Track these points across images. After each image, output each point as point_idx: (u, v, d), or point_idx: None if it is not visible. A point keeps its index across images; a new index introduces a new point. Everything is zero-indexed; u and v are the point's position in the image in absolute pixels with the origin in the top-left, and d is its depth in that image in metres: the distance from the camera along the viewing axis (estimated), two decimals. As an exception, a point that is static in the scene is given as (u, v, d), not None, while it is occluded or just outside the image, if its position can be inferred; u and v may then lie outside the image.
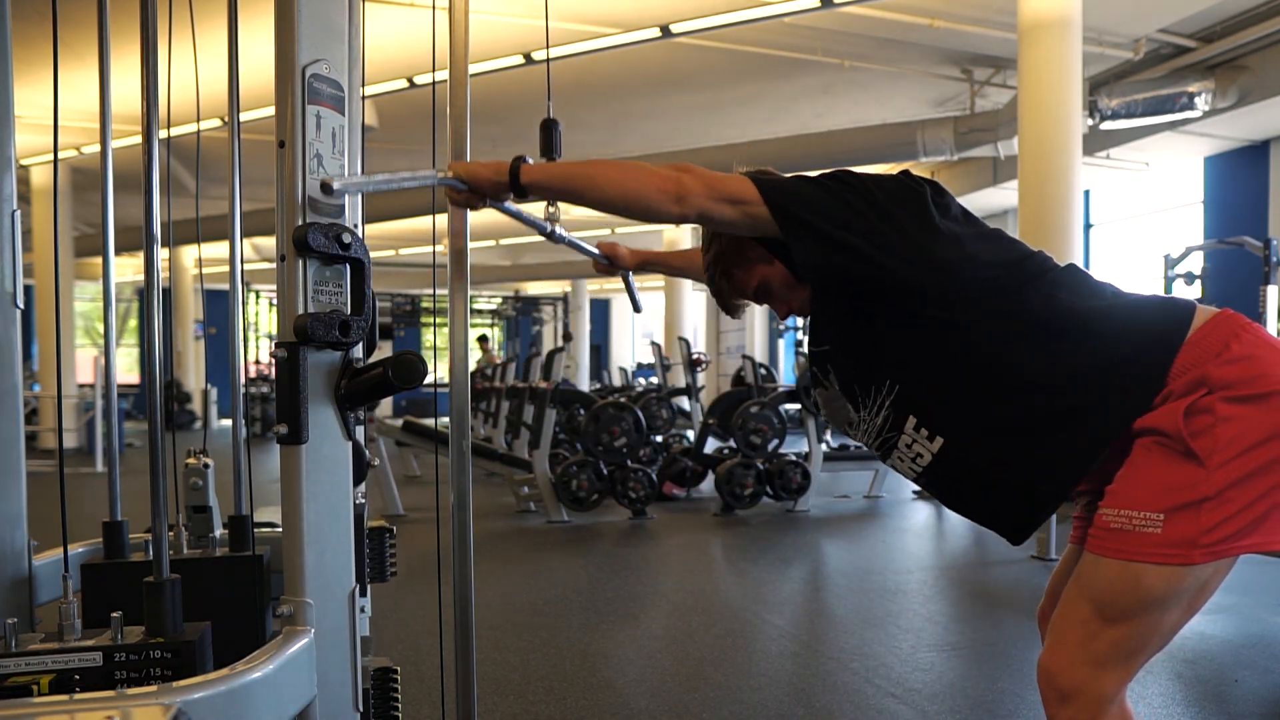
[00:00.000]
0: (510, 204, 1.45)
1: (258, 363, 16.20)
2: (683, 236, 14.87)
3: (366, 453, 1.21)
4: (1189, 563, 1.15)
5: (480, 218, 13.27)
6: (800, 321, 11.57)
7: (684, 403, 9.70)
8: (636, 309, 2.06)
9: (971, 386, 1.31)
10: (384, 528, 1.59)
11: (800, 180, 1.35)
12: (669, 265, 1.96)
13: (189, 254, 16.30)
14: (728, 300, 1.56)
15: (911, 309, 1.31)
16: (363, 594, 1.34)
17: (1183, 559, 1.15)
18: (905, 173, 1.39)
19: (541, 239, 1.82)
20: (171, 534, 1.39)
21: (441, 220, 1.65)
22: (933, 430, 1.34)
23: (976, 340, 1.30)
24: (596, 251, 1.88)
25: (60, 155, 9.97)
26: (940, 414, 1.34)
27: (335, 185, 1.12)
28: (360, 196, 1.39)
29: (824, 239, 1.28)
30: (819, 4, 6.46)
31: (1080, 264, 1.56)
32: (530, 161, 1.36)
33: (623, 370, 15.96)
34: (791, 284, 1.48)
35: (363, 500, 1.46)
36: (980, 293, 1.30)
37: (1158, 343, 1.23)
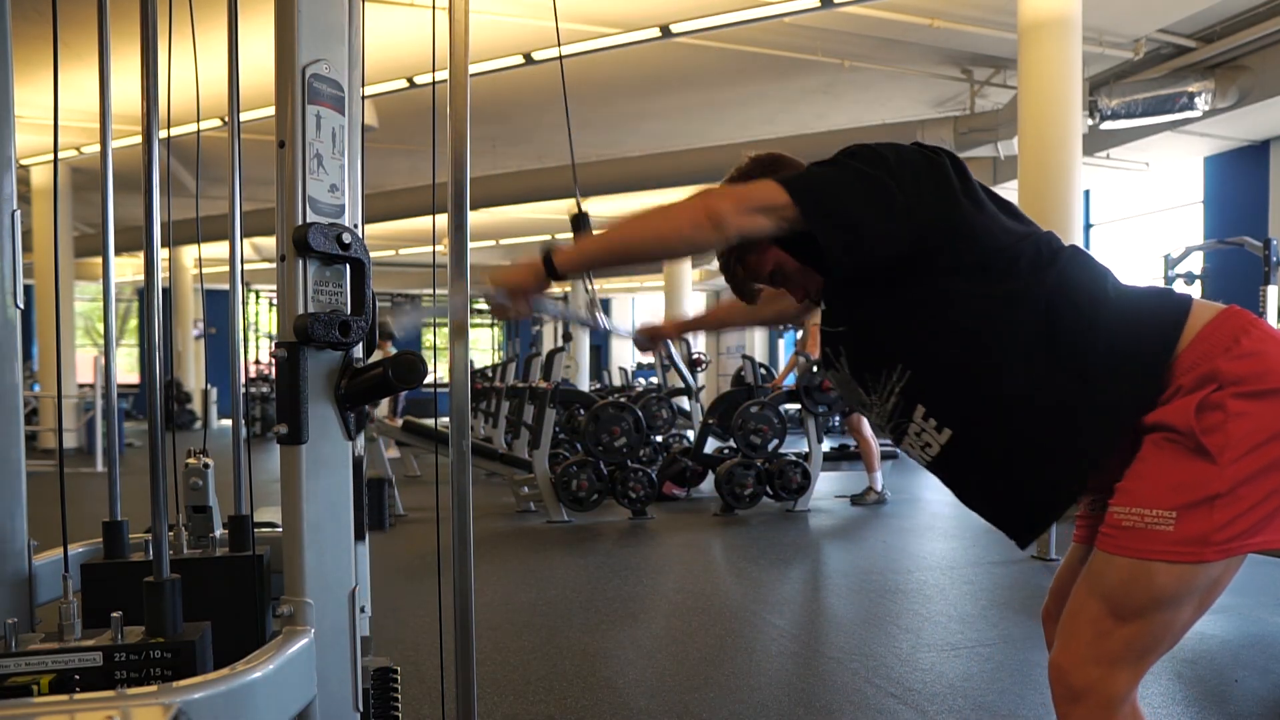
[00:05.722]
0: (552, 305, 1.50)
1: (258, 363, 16.22)
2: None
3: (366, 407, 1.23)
4: (1202, 560, 1.15)
5: (480, 216, 13.29)
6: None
7: (684, 403, 9.70)
8: (690, 387, 2.11)
9: (981, 375, 1.28)
10: (383, 479, 1.60)
11: (823, 169, 1.32)
12: (712, 322, 1.91)
13: (189, 254, 16.32)
14: (742, 285, 1.54)
15: (928, 280, 1.29)
16: (359, 538, 1.34)
17: (1196, 556, 1.15)
18: (918, 144, 1.36)
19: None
20: (171, 534, 1.39)
21: (441, 220, 1.65)
22: (941, 421, 1.32)
23: (989, 319, 1.27)
24: (634, 333, 1.89)
25: (60, 155, 9.97)
26: (949, 404, 1.32)
27: (394, 331, 1.18)
28: (360, 195, 1.40)
29: (851, 228, 1.26)
30: (819, 4, 6.46)
31: None
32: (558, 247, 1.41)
33: (623, 370, 15.96)
34: (808, 268, 1.45)
35: (361, 454, 1.47)
36: (996, 264, 1.27)
37: (1159, 334, 1.23)
